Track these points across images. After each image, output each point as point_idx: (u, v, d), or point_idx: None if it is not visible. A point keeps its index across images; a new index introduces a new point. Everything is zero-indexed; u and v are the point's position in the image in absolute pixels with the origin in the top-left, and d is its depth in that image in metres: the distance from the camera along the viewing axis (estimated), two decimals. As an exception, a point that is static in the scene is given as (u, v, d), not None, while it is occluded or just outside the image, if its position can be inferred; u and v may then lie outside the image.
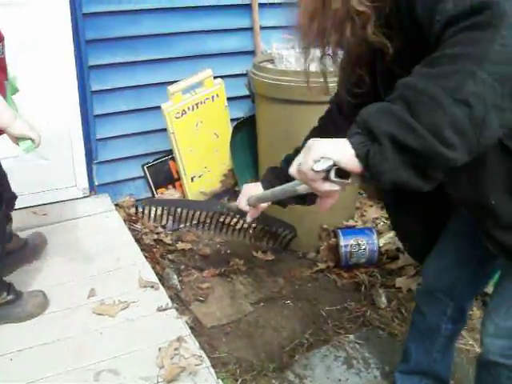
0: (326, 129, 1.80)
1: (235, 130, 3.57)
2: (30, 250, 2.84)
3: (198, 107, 3.53)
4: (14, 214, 2.83)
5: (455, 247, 1.76)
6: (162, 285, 2.72)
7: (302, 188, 1.38)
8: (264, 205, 2.02)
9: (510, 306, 1.56)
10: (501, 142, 1.23)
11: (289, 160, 1.75)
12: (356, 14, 1.20)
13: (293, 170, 1.23)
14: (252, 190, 1.97)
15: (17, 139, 2.10)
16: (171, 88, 3.38)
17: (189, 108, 3.49)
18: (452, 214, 1.75)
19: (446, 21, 1.05)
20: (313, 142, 1.15)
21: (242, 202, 1.99)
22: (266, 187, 1.92)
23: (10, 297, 2.40)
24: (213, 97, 3.58)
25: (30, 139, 2.09)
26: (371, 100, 1.14)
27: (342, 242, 3.02)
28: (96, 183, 3.56)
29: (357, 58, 1.41)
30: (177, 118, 3.44)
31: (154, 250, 3.21)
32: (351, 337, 2.62)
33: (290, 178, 1.64)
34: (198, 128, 3.58)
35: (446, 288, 1.88)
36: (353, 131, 1.09)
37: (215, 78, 3.56)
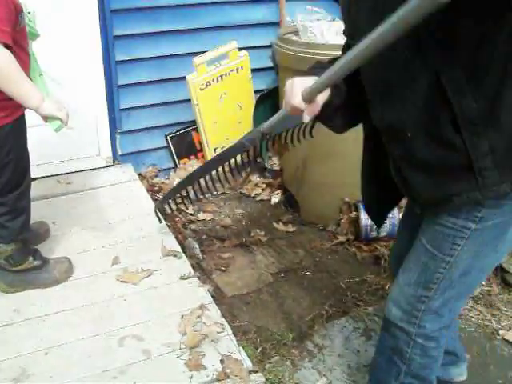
0: None
1: (258, 101, 3.57)
2: (32, 238, 2.62)
3: (222, 79, 3.54)
4: (38, 182, 2.87)
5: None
6: (184, 254, 2.76)
7: None
8: (322, 97, 1.55)
9: None
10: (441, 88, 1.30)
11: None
12: None
13: None
14: (303, 84, 1.54)
15: (46, 119, 2.14)
16: (196, 60, 3.38)
17: (213, 80, 3.50)
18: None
19: None
20: None
21: (296, 100, 1.54)
22: (319, 73, 1.50)
23: (37, 262, 2.45)
24: (237, 69, 3.59)
25: (59, 119, 2.14)
26: None
27: (363, 215, 3.02)
28: (119, 153, 3.59)
29: None
30: (201, 89, 3.45)
31: (176, 219, 3.24)
32: (370, 309, 2.65)
33: None
34: (222, 100, 3.59)
35: None
36: None
37: (239, 49, 3.56)
